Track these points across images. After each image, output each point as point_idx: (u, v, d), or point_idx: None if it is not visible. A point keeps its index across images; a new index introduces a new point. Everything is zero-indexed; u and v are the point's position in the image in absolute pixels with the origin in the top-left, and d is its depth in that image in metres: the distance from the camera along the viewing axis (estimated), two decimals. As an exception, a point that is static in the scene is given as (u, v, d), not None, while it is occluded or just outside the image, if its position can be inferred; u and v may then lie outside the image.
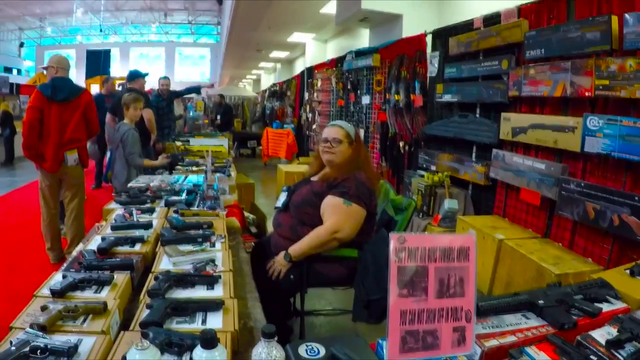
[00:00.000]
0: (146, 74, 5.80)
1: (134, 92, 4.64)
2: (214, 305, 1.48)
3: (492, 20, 4.15)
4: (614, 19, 2.86)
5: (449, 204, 4.26)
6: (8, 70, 26.51)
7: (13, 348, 1.20)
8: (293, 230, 2.42)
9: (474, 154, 4.43)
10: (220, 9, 22.27)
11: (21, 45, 28.49)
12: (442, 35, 4.96)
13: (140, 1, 24.92)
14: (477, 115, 4.35)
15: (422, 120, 5.29)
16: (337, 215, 2.32)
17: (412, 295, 0.91)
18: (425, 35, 5.13)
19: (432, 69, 5.03)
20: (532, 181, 3.58)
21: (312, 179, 2.60)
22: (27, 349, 1.21)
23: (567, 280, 2.66)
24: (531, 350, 1.19)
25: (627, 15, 2.75)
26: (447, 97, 4.71)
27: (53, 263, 4.07)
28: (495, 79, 4.03)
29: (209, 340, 1.13)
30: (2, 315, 2.34)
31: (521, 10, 3.82)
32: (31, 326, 1.30)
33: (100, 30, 28.11)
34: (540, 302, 1.43)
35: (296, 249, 2.33)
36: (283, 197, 2.59)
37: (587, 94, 3.04)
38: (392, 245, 0.89)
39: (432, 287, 0.93)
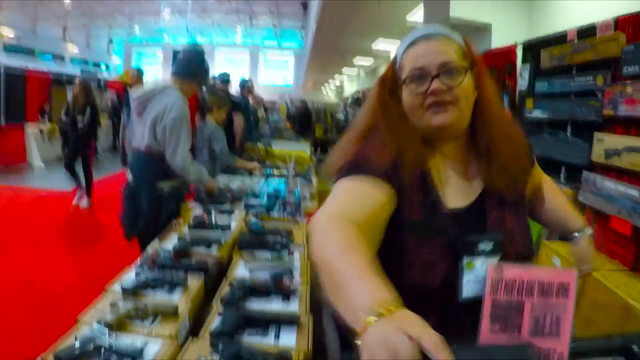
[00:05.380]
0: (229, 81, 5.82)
1: (219, 93, 4.67)
2: (289, 320, 1.43)
3: (587, 32, 3.89)
4: None
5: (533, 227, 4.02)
6: (97, 65, 28.24)
7: (77, 344, 1.20)
8: None
9: (562, 175, 4.16)
10: (305, 14, 22.49)
11: (110, 42, 30.01)
12: (533, 47, 4.72)
13: (226, 4, 25.63)
14: (568, 134, 4.09)
15: (510, 137, 5.03)
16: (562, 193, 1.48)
17: (504, 331, 0.84)
18: (515, 46, 4.90)
19: (522, 82, 4.79)
20: (623, 209, 3.32)
21: (451, 192, 1.11)
22: (92, 347, 1.20)
23: (659, 322, 2.44)
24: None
25: None
26: (537, 113, 4.47)
27: None
28: (589, 95, 3.78)
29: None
30: (70, 303, 2.39)
31: (618, 23, 3.54)
32: (98, 322, 1.30)
33: (187, 31, 29.25)
34: (635, 348, 1.30)
35: None
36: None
37: (692, 116, 2.78)
38: (489, 275, 0.82)
39: (527, 324, 0.86)
